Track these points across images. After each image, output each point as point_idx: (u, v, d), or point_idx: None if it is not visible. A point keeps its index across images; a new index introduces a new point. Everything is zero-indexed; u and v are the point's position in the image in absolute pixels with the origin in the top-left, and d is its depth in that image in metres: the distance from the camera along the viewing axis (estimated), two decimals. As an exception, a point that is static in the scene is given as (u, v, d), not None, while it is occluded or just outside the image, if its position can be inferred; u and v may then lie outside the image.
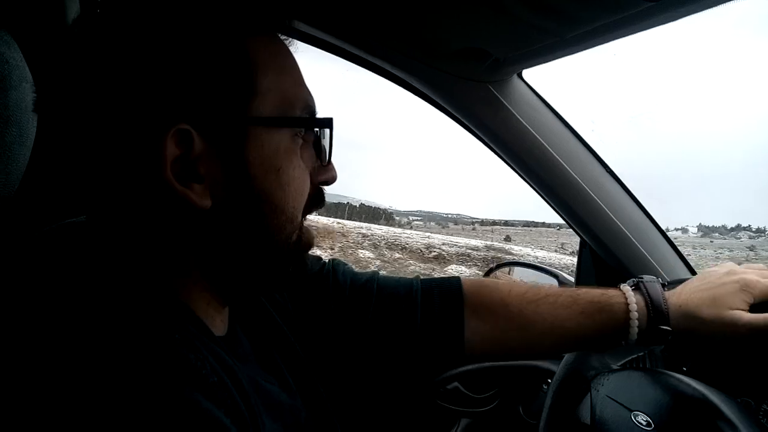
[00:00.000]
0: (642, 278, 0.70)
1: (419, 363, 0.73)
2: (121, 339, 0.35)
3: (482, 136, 1.04)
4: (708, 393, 0.60)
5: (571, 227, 1.11)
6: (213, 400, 0.36)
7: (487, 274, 1.41)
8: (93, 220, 0.48)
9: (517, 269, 1.34)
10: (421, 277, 0.74)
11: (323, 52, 0.95)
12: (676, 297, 0.68)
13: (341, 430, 0.62)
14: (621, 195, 1.05)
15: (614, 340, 0.68)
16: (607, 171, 1.04)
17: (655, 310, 0.66)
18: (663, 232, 1.07)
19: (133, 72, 0.41)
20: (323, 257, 0.74)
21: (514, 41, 0.81)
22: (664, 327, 0.66)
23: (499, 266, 1.38)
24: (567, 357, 0.76)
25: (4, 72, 0.48)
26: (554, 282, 1.20)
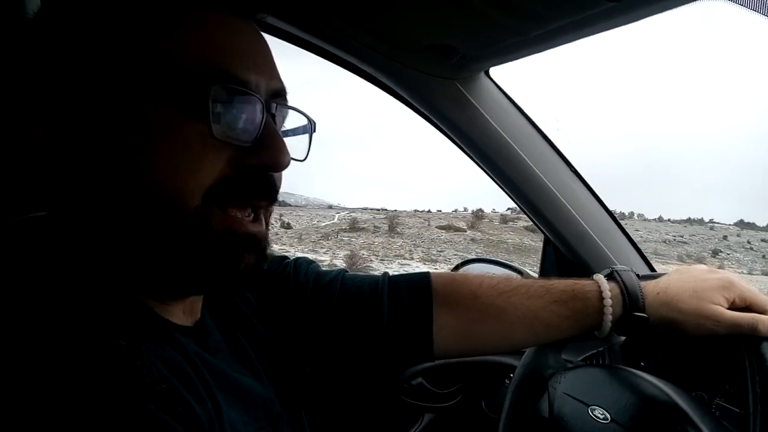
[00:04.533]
0: (614, 268, 0.70)
1: (385, 362, 0.72)
2: (66, 348, 0.34)
3: (449, 133, 1.04)
4: (663, 386, 0.61)
5: (535, 224, 1.12)
6: (162, 408, 0.35)
7: (454, 270, 1.41)
8: (51, 214, 0.47)
9: (481, 266, 1.35)
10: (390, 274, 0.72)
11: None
12: (653, 285, 0.68)
13: (308, 423, 0.61)
14: (584, 194, 1.07)
15: (589, 328, 0.68)
16: (572, 170, 1.06)
17: (630, 297, 0.66)
18: (624, 231, 1.09)
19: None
20: (288, 256, 0.72)
21: (480, 39, 0.81)
22: (641, 314, 0.65)
23: (464, 263, 1.38)
24: (524, 358, 0.76)
25: None
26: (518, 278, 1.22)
